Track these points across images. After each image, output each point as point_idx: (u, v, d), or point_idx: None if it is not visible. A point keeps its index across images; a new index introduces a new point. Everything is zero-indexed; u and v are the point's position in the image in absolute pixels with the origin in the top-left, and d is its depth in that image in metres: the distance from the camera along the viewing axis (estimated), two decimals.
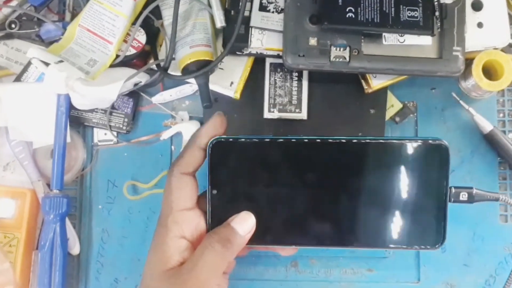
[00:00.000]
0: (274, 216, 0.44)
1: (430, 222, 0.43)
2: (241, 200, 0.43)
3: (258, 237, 0.43)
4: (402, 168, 0.43)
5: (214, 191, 0.43)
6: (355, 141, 0.43)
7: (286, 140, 0.43)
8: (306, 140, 0.43)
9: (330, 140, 0.43)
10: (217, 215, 0.43)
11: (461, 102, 0.53)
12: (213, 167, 0.43)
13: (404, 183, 0.43)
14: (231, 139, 0.43)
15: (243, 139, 0.43)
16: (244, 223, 0.42)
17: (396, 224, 0.43)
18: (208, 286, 0.40)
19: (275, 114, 0.53)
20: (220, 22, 0.51)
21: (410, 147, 0.43)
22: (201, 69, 0.49)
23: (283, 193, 0.44)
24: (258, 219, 0.43)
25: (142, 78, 0.52)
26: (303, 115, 0.53)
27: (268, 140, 0.43)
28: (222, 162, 0.43)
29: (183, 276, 0.40)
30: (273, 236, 0.44)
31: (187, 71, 0.50)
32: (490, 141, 0.53)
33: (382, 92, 0.53)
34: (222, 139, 0.43)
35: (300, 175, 0.43)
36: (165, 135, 0.54)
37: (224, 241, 0.40)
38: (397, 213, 0.43)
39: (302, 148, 0.43)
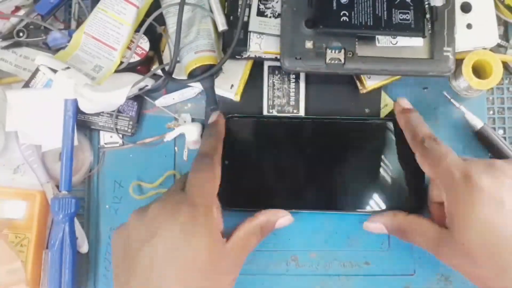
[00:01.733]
0: (274, 183, 0.53)
1: (410, 187, 0.52)
2: (247, 169, 0.53)
3: (257, 202, 0.52)
4: (379, 142, 0.53)
5: (226, 162, 0.52)
6: (336, 120, 0.53)
7: (282, 119, 0.54)
8: (300, 120, 0.53)
9: (319, 120, 0.53)
10: (228, 181, 0.51)
11: (452, 100, 0.54)
12: (225, 141, 0.52)
13: (382, 155, 0.53)
14: (239, 117, 0.53)
15: (247, 117, 0.54)
16: (284, 223, 0.50)
17: (379, 190, 0.52)
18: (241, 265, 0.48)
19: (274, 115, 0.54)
20: (222, 26, 0.52)
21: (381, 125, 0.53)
22: (207, 73, 0.50)
23: (280, 163, 0.53)
24: (260, 186, 0.53)
25: (148, 82, 0.53)
26: (301, 115, 0.54)
27: (265, 119, 0.54)
28: (232, 137, 0.53)
29: (236, 258, 0.47)
30: (272, 201, 0.52)
31: (193, 75, 0.51)
32: (481, 137, 0.54)
33: (376, 92, 0.54)
34: (234, 117, 0.53)
35: (295, 149, 0.53)
36: (169, 136, 0.55)
37: (264, 234, 0.49)
38: (379, 180, 0.52)
39: (297, 125, 0.53)
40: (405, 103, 0.51)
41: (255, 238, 0.49)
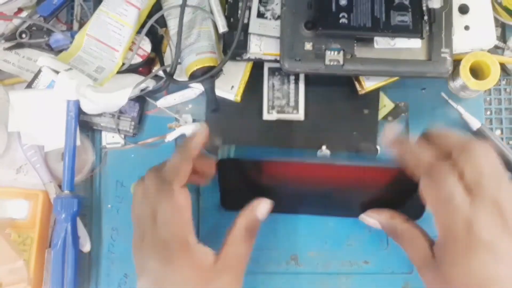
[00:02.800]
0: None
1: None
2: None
3: None
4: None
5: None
6: (333, 163, 0.49)
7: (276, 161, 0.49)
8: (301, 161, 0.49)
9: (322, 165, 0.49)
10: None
11: (450, 101, 0.55)
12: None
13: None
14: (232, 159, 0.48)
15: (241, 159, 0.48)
16: (264, 210, 0.47)
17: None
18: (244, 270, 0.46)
19: (274, 116, 0.55)
20: (222, 27, 0.53)
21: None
22: (207, 74, 0.51)
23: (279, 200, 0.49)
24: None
25: (149, 83, 0.54)
26: (300, 116, 0.55)
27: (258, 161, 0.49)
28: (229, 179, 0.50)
29: (227, 274, 0.44)
30: None
31: (194, 77, 0.52)
32: (478, 138, 0.54)
33: (374, 93, 0.54)
34: (226, 160, 0.48)
35: (294, 189, 0.50)
36: (170, 137, 0.56)
37: (254, 234, 0.47)
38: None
39: (297, 168, 0.49)
40: (391, 134, 0.45)
41: (245, 245, 0.46)
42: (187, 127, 0.56)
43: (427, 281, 0.42)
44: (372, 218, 0.49)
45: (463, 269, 0.38)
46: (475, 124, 0.54)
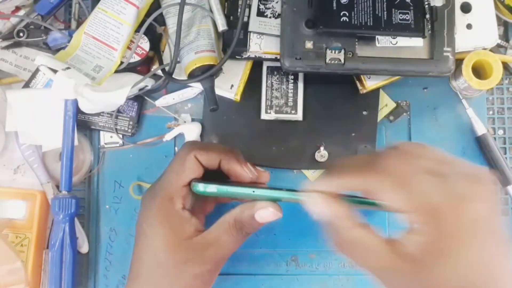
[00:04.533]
0: None
1: None
2: None
3: None
4: None
5: None
6: None
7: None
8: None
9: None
10: None
11: (463, 101, 0.54)
12: None
13: None
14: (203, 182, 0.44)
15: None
16: (268, 217, 0.42)
17: None
18: (225, 261, 0.44)
19: (272, 116, 0.54)
20: (222, 26, 0.52)
21: None
22: (207, 73, 0.50)
23: None
24: None
25: (148, 82, 0.54)
26: (299, 116, 0.54)
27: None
28: None
29: (208, 251, 0.42)
30: None
31: (193, 75, 0.51)
32: (480, 143, 0.54)
33: (374, 94, 0.54)
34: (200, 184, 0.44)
35: None
36: (169, 136, 0.55)
37: (247, 234, 0.44)
38: None
39: None
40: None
41: (228, 237, 0.43)
42: (186, 127, 0.55)
43: None
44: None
45: (463, 263, 0.31)
46: (480, 129, 0.54)
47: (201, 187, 0.43)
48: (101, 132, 0.57)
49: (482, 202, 0.32)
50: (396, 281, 0.34)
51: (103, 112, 0.56)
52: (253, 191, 0.43)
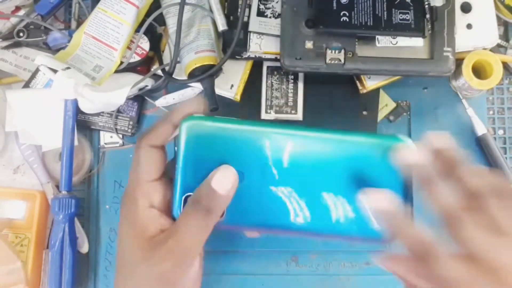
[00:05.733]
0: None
1: None
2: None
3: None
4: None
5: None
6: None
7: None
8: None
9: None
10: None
11: (463, 101, 0.54)
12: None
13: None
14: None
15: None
16: (225, 180, 0.36)
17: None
18: (193, 254, 0.38)
19: (272, 116, 0.54)
20: (222, 26, 0.52)
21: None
22: (207, 73, 0.50)
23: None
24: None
25: (148, 82, 0.54)
26: (299, 116, 0.54)
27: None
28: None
29: (167, 244, 0.37)
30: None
31: (193, 76, 0.51)
32: (481, 144, 0.54)
33: (374, 94, 0.54)
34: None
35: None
36: None
37: (207, 209, 0.36)
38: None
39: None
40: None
41: (186, 219, 0.37)
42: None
43: None
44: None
45: None
46: (480, 129, 0.54)
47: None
48: (101, 132, 0.57)
49: None
50: None
51: (103, 112, 0.56)
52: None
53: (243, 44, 0.53)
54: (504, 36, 0.56)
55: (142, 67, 0.55)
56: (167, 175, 0.40)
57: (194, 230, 0.37)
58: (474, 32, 0.52)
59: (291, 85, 0.55)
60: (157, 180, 0.40)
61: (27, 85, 0.55)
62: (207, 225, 0.37)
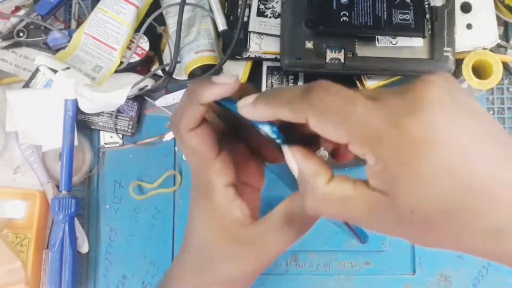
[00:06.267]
0: None
1: None
2: None
3: None
4: None
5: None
6: None
7: None
8: None
9: None
10: None
11: None
12: None
13: None
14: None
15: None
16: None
17: None
18: (261, 270, 0.36)
19: None
20: (222, 25, 0.53)
21: None
22: (207, 73, 0.51)
23: None
24: None
25: (148, 82, 0.54)
26: None
27: None
28: None
29: (251, 251, 0.35)
30: None
31: (193, 75, 0.51)
32: None
33: None
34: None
35: None
36: (169, 136, 0.55)
37: (296, 231, 0.34)
38: None
39: None
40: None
41: (276, 232, 0.35)
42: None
43: (384, 228, 0.30)
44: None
45: (426, 185, 0.26)
46: None
47: None
48: (101, 132, 0.57)
49: (416, 113, 0.26)
50: (379, 221, 0.29)
51: (103, 112, 0.56)
52: None
53: (243, 44, 0.53)
54: (504, 36, 0.56)
55: (142, 67, 0.55)
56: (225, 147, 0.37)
57: (281, 245, 0.35)
58: (474, 32, 0.52)
59: (291, 85, 0.55)
60: (218, 157, 0.36)
61: (27, 85, 0.55)
62: (292, 242, 0.35)
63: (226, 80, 0.34)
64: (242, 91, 0.34)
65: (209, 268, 0.37)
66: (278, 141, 0.32)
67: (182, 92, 0.55)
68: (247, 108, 0.32)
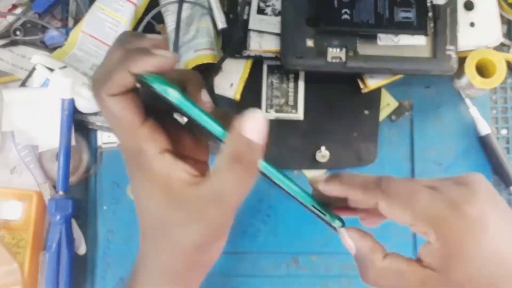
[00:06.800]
0: None
1: None
2: None
3: None
4: None
5: None
6: None
7: None
8: None
9: None
10: None
11: (466, 101, 0.54)
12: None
13: None
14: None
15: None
16: (257, 126, 0.33)
17: None
18: (231, 218, 0.34)
19: (272, 115, 0.54)
20: (221, 24, 0.52)
21: None
22: (205, 72, 0.50)
23: None
24: None
25: None
26: (299, 115, 0.54)
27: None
28: None
29: (209, 207, 0.32)
30: None
31: None
32: (484, 144, 0.54)
33: (375, 93, 0.54)
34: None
35: None
36: None
37: (251, 163, 0.32)
38: None
39: None
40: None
41: (232, 178, 0.33)
42: None
43: None
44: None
45: (475, 261, 0.32)
46: (484, 129, 0.54)
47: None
48: (99, 132, 0.56)
49: (473, 201, 0.33)
50: None
51: (100, 112, 0.55)
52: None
53: (243, 43, 0.52)
54: (508, 35, 0.56)
55: None
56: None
57: (241, 189, 0.33)
58: (477, 31, 0.52)
59: (291, 84, 0.54)
60: (146, 122, 0.33)
61: (23, 84, 0.55)
62: (252, 183, 0.33)
63: (166, 52, 0.32)
64: (185, 78, 0.35)
65: (170, 243, 0.34)
66: (339, 225, 0.38)
67: None
68: (319, 184, 0.36)
